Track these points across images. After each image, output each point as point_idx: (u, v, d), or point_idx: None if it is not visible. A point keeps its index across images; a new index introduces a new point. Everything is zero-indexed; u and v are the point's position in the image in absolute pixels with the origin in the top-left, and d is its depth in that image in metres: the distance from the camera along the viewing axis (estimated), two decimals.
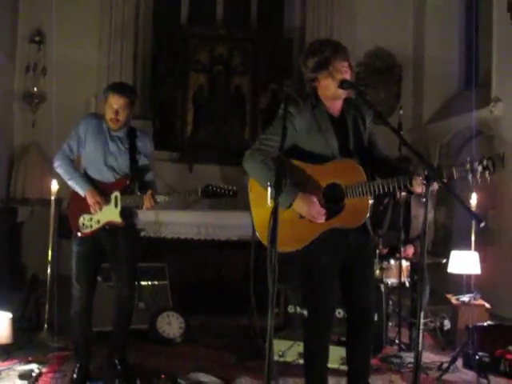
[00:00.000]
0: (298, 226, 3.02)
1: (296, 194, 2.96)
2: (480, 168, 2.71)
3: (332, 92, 3.05)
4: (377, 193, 2.92)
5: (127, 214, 4.02)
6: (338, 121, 3.11)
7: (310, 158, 3.06)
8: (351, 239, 3.08)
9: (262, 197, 2.85)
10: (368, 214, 2.98)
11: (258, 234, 3.10)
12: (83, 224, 4.02)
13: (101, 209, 3.97)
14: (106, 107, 3.99)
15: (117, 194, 3.99)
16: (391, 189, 2.89)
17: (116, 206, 3.98)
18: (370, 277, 3.27)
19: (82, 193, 4.00)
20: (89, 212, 4.00)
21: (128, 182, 4.02)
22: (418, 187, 2.80)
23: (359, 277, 3.14)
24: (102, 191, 3.99)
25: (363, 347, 3.21)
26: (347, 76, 3.01)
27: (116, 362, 4.14)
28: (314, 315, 3.14)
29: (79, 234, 4.03)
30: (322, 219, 2.97)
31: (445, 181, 2.51)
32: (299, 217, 3.02)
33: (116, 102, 3.94)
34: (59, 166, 4.06)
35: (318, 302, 3.11)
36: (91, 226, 4.01)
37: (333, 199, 2.98)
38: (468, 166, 2.73)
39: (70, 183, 4.05)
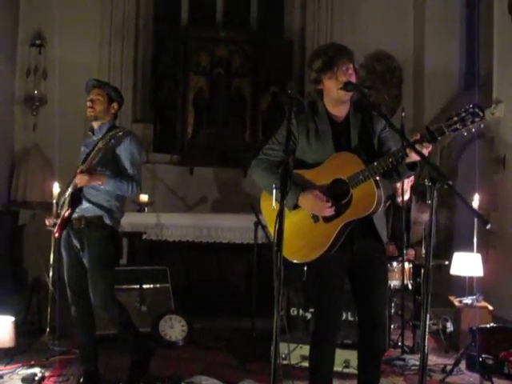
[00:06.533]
0: (315, 231, 3.00)
1: (299, 193, 2.98)
2: (469, 116, 2.65)
3: (334, 94, 3.03)
4: (377, 173, 2.89)
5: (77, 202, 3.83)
6: (340, 125, 3.10)
7: (310, 164, 3.07)
8: (355, 247, 3.05)
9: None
10: (376, 196, 2.90)
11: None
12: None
13: None
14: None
15: None
16: (390, 165, 2.86)
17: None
18: (381, 282, 3.22)
19: None
20: None
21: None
22: (414, 155, 2.76)
23: (369, 283, 3.10)
24: None
25: (372, 353, 3.17)
26: (352, 79, 2.99)
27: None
28: (320, 318, 3.12)
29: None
30: (329, 211, 2.94)
31: (450, 183, 2.49)
32: (314, 222, 3.00)
33: (91, 92, 3.92)
34: None
35: (324, 305, 3.09)
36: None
37: (340, 195, 2.96)
38: (455, 117, 2.68)
39: None
